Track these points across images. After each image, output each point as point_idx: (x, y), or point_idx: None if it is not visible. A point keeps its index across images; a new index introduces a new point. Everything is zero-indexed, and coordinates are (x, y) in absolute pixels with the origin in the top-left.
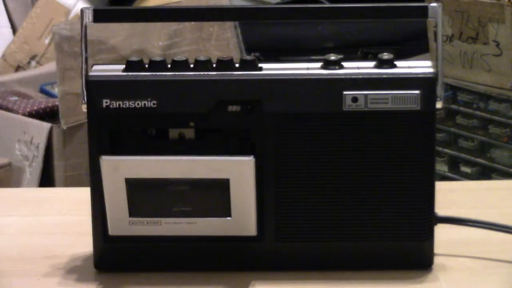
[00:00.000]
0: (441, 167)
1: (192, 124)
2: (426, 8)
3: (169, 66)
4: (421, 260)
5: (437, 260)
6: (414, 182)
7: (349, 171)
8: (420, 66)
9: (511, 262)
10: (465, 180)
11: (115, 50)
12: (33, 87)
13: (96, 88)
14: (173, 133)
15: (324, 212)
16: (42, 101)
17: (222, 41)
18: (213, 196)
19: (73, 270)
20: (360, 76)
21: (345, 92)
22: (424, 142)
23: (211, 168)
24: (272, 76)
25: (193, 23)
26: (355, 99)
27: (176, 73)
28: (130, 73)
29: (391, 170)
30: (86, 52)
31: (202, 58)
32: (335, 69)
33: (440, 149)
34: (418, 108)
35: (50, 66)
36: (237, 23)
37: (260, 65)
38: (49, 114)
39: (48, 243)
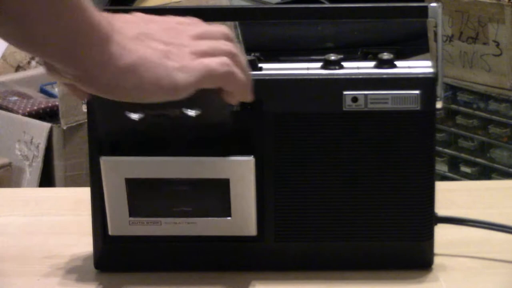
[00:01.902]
0: (441, 167)
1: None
2: (426, 8)
3: None
4: (421, 260)
5: (437, 260)
6: (414, 182)
7: (349, 171)
8: (420, 66)
9: (511, 262)
10: (465, 180)
11: None
12: (33, 87)
13: None
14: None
15: (324, 212)
16: (42, 101)
17: None
18: (213, 196)
19: (73, 270)
20: (360, 76)
21: (345, 92)
22: (424, 142)
23: (211, 168)
24: (272, 76)
25: None
26: (355, 99)
27: None
28: None
29: (391, 170)
30: None
31: None
32: (335, 69)
33: (440, 149)
34: (418, 108)
35: None
36: (237, 23)
37: (260, 65)
38: (49, 114)
39: (48, 243)
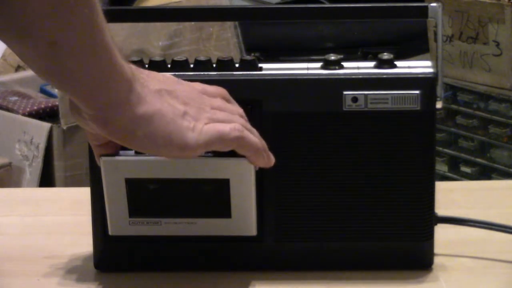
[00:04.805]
0: (441, 167)
1: None
2: (426, 8)
3: (169, 66)
4: (421, 260)
5: (437, 260)
6: (414, 182)
7: (349, 171)
8: (420, 66)
9: (511, 262)
10: (465, 180)
11: None
12: (33, 87)
13: None
14: None
15: (324, 212)
16: (42, 101)
17: (222, 41)
18: (213, 196)
19: (73, 270)
20: (360, 76)
21: (345, 92)
22: (424, 142)
23: (211, 168)
24: (272, 76)
25: (193, 23)
26: (355, 99)
27: (176, 73)
28: None
29: (391, 170)
30: None
31: (202, 58)
32: (335, 69)
33: (440, 149)
34: (418, 108)
35: None
36: (237, 23)
37: (260, 65)
38: (49, 114)
39: (48, 243)
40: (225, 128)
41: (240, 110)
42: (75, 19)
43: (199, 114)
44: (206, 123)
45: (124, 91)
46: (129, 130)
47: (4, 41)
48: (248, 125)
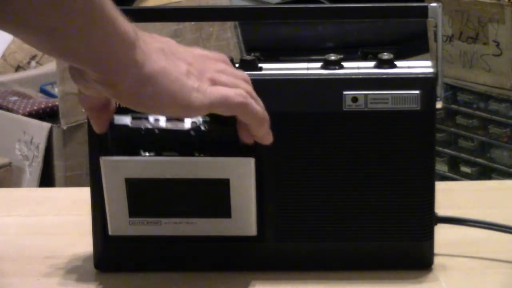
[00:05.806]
0: (441, 167)
1: None
2: (426, 8)
3: None
4: (421, 260)
5: (437, 260)
6: (414, 182)
7: (349, 171)
8: (420, 66)
9: (511, 262)
10: (465, 180)
11: None
12: (33, 87)
13: None
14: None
15: (324, 212)
16: (42, 101)
17: (222, 41)
18: (213, 196)
19: (73, 270)
20: (360, 76)
21: (345, 92)
22: (424, 142)
23: (211, 168)
24: (272, 76)
25: (193, 23)
26: (355, 99)
27: None
28: None
29: (391, 170)
30: None
31: None
32: (335, 69)
33: (440, 149)
34: (418, 108)
35: (50, 66)
36: (237, 23)
37: (260, 65)
38: (49, 114)
39: (48, 243)
40: (230, 92)
41: (244, 75)
42: (73, 4)
43: (202, 75)
44: (210, 85)
45: (129, 53)
46: (135, 90)
47: (5, 30)
48: (253, 93)
